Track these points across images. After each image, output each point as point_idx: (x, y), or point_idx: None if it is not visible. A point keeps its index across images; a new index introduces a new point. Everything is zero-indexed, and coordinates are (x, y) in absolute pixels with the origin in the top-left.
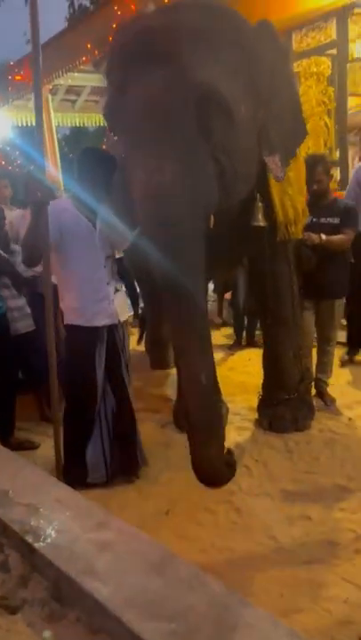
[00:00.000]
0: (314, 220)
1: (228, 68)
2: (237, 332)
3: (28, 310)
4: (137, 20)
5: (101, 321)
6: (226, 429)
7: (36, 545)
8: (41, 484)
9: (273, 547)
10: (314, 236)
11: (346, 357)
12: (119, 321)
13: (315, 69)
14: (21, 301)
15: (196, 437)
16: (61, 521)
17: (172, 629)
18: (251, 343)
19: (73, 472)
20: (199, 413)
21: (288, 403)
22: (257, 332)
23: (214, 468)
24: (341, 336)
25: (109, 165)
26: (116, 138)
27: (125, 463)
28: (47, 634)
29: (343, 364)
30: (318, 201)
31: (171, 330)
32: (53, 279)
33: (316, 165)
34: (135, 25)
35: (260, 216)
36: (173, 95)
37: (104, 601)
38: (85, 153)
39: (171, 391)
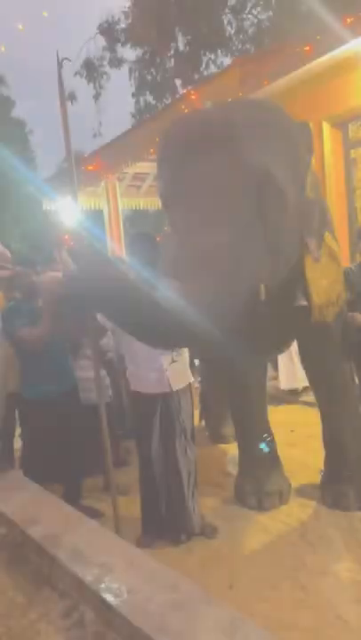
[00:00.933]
0: None
1: (279, 156)
2: None
3: (107, 382)
4: (194, 113)
5: (156, 389)
6: (289, 506)
7: (112, 603)
8: (113, 546)
9: (341, 627)
10: (359, 318)
11: None
12: (172, 389)
13: None
14: (100, 373)
15: None
16: (134, 581)
17: None
18: None
19: (148, 526)
20: None
21: (351, 480)
22: None
23: None
24: None
25: (154, 246)
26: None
27: (172, 525)
28: None
29: None
30: None
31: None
32: None
33: None
34: (193, 116)
35: (299, 295)
36: (235, 178)
37: None
38: (135, 237)
39: (232, 466)
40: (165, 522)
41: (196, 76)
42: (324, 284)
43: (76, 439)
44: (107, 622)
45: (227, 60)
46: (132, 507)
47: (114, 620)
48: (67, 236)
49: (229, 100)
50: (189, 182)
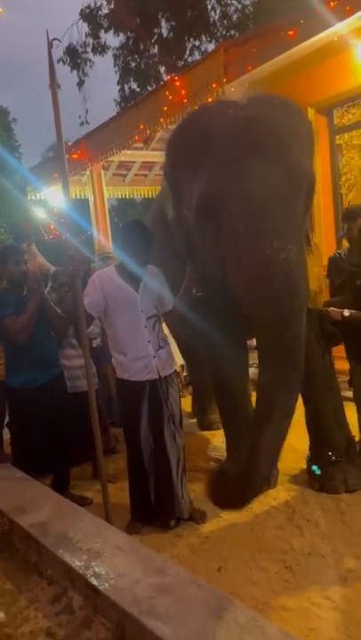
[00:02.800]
0: None
1: (309, 157)
2: None
3: (93, 369)
4: (231, 107)
5: (144, 376)
6: (276, 490)
7: (100, 587)
8: (102, 533)
9: (328, 606)
10: (334, 313)
11: None
12: (160, 376)
13: (356, 142)
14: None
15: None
16: (122, 566)
17: None
18: None
19: (137, 512)
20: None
21: (337, 464)
22: None
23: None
24: None
25: (148, 236)
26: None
27: (161, 511)
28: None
29: None
30: None
31: (269, 394)
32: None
33: None
34: (234, 112)
35: None
36: (293, 184)
37: (166, 639)
38: (128, 225)
39: (219, 452)
40: (154, 508)
41: (181, 63)
42: (315, 272)
43: (63, 427)
44: (95, 607)
45: (211, 47)
46: (120, 494)
47: (102, 605)
48: (52, 226)
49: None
50: (250, 189)
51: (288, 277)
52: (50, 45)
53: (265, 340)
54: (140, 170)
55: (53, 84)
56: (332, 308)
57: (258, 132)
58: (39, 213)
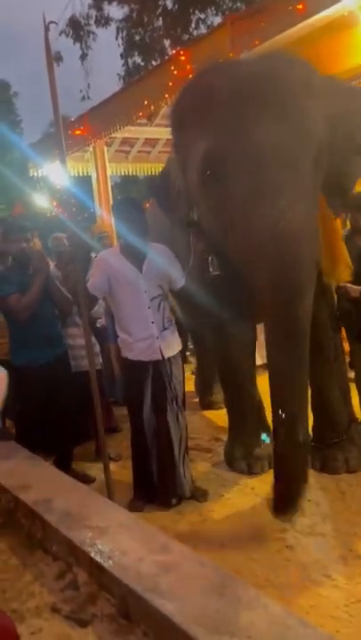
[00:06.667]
0: None
1: (320, 117)
2: None
3: (97, 349)
4: (239, 66)
5: (147, 356)
6: None
7: (105, 564)
8: (105, 510)
9: (328, 584)
10: (353, 289)
11: None
12: (163, 357)
13: None
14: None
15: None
16: (127, 543)
17: None
18: None
19: (139, 491)
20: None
21: (339, 444)
22: None
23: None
24: None
25: (142, 212)
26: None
27: (163, 489)
28: None
29: None
30: None
31: (275, 374)
32: None
33: None
34: (241, 70)
35: None
36: (300, 143)
37: (171, 616)
38: (119, 203)
39: (221, 431)
40: (156, 486)
41: (186, 37)
42: (337, 246)
43: (66, 405)
44: (100, 583)
45: (217, 20)
46: (123, 472)
47: (107, 582)
48: (55, 203)
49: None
50: (255, 147)
51: (295, 242)
52: (46, 29)
53: (268, 312)
54: (144, 146)
55: (51, 69)
56: (350, 285)
57: (263, 87)
58: (41, 190)
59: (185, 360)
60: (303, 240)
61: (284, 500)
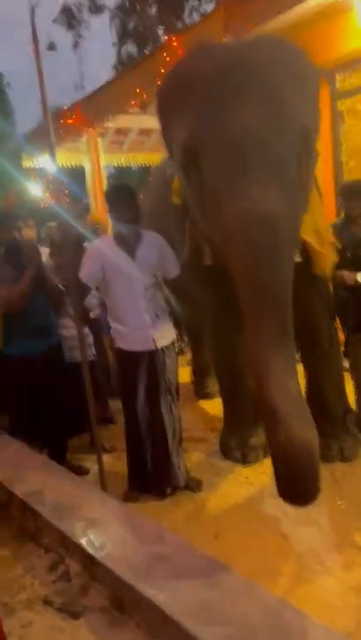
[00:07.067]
0: None
1: (309, 108)
2: None
3: (90, 340)
4: (220, 49)
5: (140, 346)
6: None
7: (97, 556)
8: (98, 501)
9: (322, 572)
10: (348, 277)
11: None
12: (157, 347)
13: (359, 107)
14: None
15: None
16: (120, 534)
17: (229, 634)
18: None
19: (134, 481)
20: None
21: (334, 433)
22: None
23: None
24: None
25: (130, 192)
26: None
27: (157, 480)
28: None
29: None
30: None
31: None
32: None
33: None
34: (222, 52)
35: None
36: (279, 130)
37: (163, 607)
38: (112, 189)
39: (216, 421)
40: (151, 477)
41: (180, 25)
42: (324, 235)
43: (60, 397)
44: (92, 575)
45: (211, 8)
46: (118, 463)
47: (99, 573)
48: (47, 194)
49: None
50: (230, 134)
51: (267, 232)
52: (32, 13)
53: (243, 300)
54: (138, 136)
55: (37, 54)
56: (346, 272)
57: (244, 72)
58: (35, 180)
59: (180, 351)
60: (278, 226)
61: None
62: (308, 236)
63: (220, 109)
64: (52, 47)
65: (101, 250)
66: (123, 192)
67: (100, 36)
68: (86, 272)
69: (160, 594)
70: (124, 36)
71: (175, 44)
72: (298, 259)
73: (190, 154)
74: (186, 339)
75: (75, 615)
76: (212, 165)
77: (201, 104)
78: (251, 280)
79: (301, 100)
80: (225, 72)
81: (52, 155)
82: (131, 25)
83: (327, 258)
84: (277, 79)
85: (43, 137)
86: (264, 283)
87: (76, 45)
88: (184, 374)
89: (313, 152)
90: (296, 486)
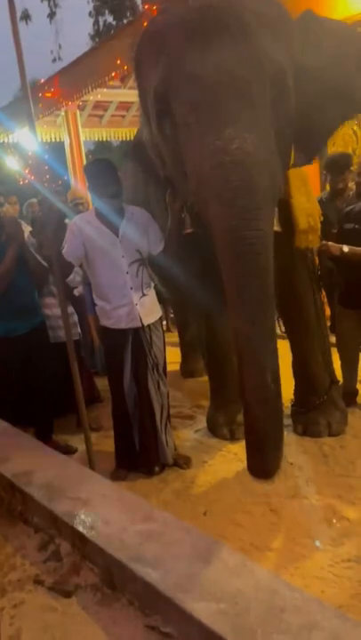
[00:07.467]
0: (356, 227)
1: (283, 50)
2: None
3: (75, 319)
4: (188, 1)
5: (126, 324)
6: None
7: (88, 535)
8: (86, 480)
9: (311, 546)
10: (334, 247)
11: None
12: (143, 324)
13: None
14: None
15: (255, 445)
16: (109, 513)
17: (222, 609)
18: None
19: (121, 460)
20: (264, 423)
21: (321, 408)
22: None
23: (271, 474)
24: None
25: (110, 166)
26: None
27: (145, 457)
28: None
29: None
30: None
31: (236, 319)
32: None
33: None
34: (191, 5)
35: (275, 221)
36: (252, 70)
37: (155, 584)
38: (90, 165)
39: (203, 399)
40: (139, 455)
41: None
42: (308, 208)
43: (45, 376)
44: (83, 554)
45: None
46: (105, 442)
47: (90, 552)
48: (27, 170)
49: None
50: (201, 73)
51: (242, 169)
52: None
53: (222, 263)
54: (118, 111)
55: (15, 26)
56: (331, 243)
57: (214, 14)
58: (12, 156)
59: (167, 329)
60: (252, 169)
61: (260, 458)
62: (298, 206)
63: (191, 55)
64: (26, 17)
65: (82, 226)
66: (102, 167)
67: (77, 5)
68: (68, 249)
69: (152, 571)
70: (101, 5)
71: (155, 12)
72: (277, 228)
73: (162, 101)
74: (172, 316)
75: (66, 594)
76: (183, 109)
77: (171, 52)
78: (228, 231)
79: (274, 44)
80: (195, 19)
81: (33, 130)
82: None
83: (312, 235)
84: (249, 23)
85: (20, 111)
86: (243, 234)
87: (51, 15)
88: (171, 354)
89: (289, 96)
90: (260, 462)
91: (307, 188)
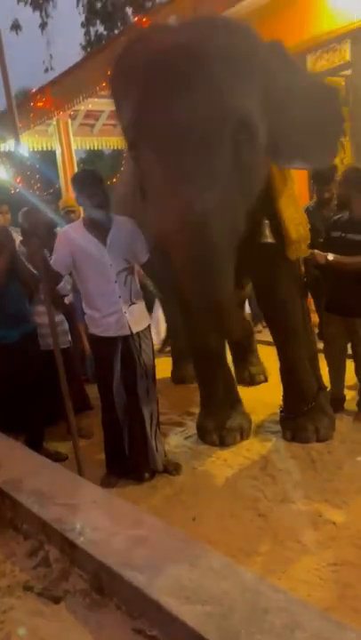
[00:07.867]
0: (342, 235)
1: (250, 88)
2: None
3: (66, 327)
4: (157, 35)
5: (115, 332)
6: (250, 442)
7: (77, 541)
8: (76, 487)
9: (299, 550)
10: (319, 256)
11: None
12: (132, 332)
13: None
14: (58, 318)
15: None
16: (98, 519)
17: (208, 612)
18: None
19: (112, 466)
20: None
21: (309, 414)
22: None
23: None
24: None
25: (96, 176)
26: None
27: (135, 464)
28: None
29: None
30: (348, 215)
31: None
32: None
33: (348, 179)
34: (157, 40)
35: (267, 233)
36: (211, 121)
37: (143, 588)
38: (77, 176)
39: (193, 405)
40: (129, 461)
41: (149, 4)
42: (297, 219)
43: (36, 384)
44: (72, 560)
45: None
46: (95, 449)
47: (79, 558)
48: (18, 179)
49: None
50: (163, 123)
51: (201, 237)
52: None
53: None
54: (109, 119)
55: None
56: (317, 251)
57: (179, 59)
58: (4, 165)
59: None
60: (213, 229)
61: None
62: (288, 219)
63: (155, 101)
64: (16, 27)
65: (71, 236)
66: (87, 178)
67: (68, 16)
68: (56, 259)
69: (139, 575)
70: (92, 15)
71: (145, 23)
72: (270, 239)
73: (131, 142)
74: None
75: (55, 600)
76: (147, 158)
77: (137, 92)
78: (187, 292)
79: (238, 81)
80: (158, 59)
81: (17, 140)
82: (98, 4)
83: (303, 244)
84: (211, 71)
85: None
86: (200, 287)
87: (42, 26)
88: (160, 359)
89: (256, 133)
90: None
91: (294, 199)
